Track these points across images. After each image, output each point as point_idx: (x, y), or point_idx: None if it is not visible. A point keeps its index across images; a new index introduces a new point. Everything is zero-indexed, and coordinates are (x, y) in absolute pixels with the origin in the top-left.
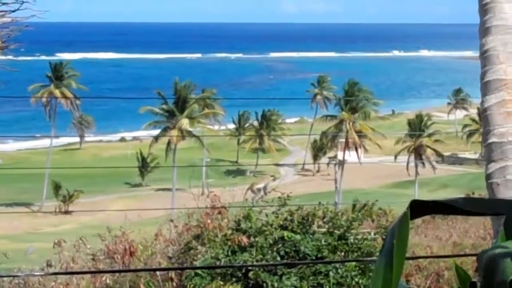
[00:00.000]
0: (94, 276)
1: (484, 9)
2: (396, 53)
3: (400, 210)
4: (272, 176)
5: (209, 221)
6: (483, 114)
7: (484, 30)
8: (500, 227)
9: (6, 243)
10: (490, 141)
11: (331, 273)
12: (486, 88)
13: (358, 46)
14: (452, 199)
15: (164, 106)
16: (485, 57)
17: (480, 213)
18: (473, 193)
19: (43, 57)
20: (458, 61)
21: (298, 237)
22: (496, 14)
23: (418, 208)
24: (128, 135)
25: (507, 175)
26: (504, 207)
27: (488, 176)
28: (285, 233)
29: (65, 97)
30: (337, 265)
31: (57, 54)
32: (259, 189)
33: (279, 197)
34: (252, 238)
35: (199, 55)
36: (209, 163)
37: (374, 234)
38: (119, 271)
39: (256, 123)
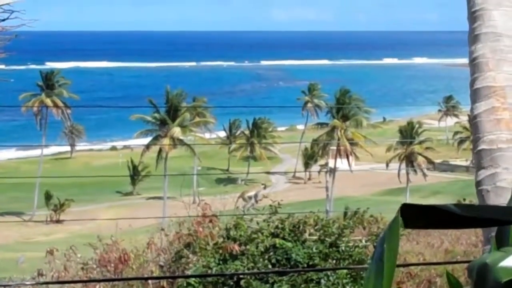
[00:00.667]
0: (86, 285)
1: (473, 17)
2: (387, 60)
3: (391, 217)
4: (263, 184)
5: (200, 229)
6: (473, 121)
7: (473, 38)
8: (490, 234)
9: None
10: (479, 148)
11: (322, 281)
12: (475, 95)
13: (350, 54)
14: (444, 204)
15: (156, 115)
16: (474, 65)
17: (469, 223)
18: (464, 200)
19: (34, 66)
20: (450, 68)
21: (289, 244)
22: (485, 21)
23: (410, 213)
24: (119, 144)
25: (497, 182)
26: (495, 213)
27: (478, 183)
28: (277, 240)
29: (56, 106)
30: (329, 272)
31: (48, 63)
32: (250, 197)
33: (270, 205)
34: (243, 246)
35: (191, 63)
36: (200, 171)
37: (366, 242)
38: (111, 280)
39: (247, 131)
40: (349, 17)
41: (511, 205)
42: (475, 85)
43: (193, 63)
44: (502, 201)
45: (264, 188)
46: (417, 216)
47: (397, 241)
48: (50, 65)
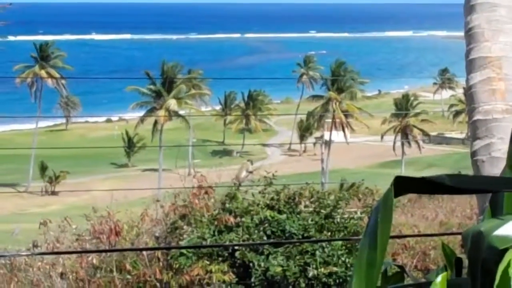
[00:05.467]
0: (80, 256)
1: None
2: (383, 34)
3: (386, 189)
4: (249, 160)
5: (196, 201)
6: (468, 92)
7: (469, 8)
8: (485, 204)
9: None
10: (475, 118)
11: (317, 252)
12: (471, 66)
13: (346, 27)
14: (437, 176)
15: (151, 87)
16: (470, 35)
17: (465, 190)
18: (459, 172)
19: (29, 38)
20: (447, 41)
21: (282, 217)
22: None
23: (403, 185)
24: (114, 115)
25: (492, 152)
26: (490, 184)
27: (473, 154)
28: (271, 212)
29: (51, 77)
30: (324, 244)
31: (44, 36)
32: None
33: (265, 177)
34: (238, 218)
35: (188, 35)
36: (196, 143)
37: (361, 214)
38: (106, 251)
39: (242, 104)
40: None
41: (504, 176)
42: (470, 56)
43: (191, 36)
44: (497, 171)
45: (251, 163)
46: (410, 188)
47: (391, 213)
48: (47, 37)
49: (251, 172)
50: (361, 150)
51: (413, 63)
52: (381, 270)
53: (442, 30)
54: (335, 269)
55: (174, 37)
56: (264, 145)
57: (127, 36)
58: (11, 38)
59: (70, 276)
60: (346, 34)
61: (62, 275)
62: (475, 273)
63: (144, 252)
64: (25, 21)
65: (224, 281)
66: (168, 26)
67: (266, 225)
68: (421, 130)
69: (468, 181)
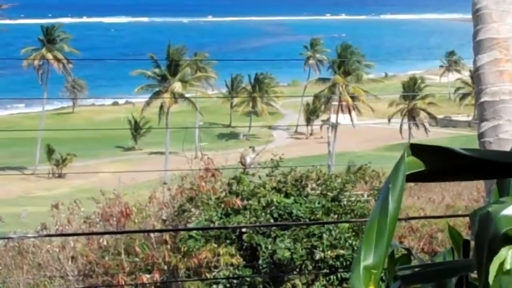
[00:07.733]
0: (89, 239)
1: None
2: (399, 16)
3: None
4: (251, 147)
5: (203, 184)
6: (476, 73)
7: None
8: (492, 187)
9: None
10: (482, 100)
11: (324, 235)
12: (478, 47)
13: (363, 9)
14: (451, 148)
15: (156, 70)
16: (477, 16)
17: (472, 170)
18: None
19: (37, 20)
20: (460, 23)
21: (289, 201)
22: None
23: (416, 152)
24: (121, 98)
25: (499, 134)
26: (504, 157)
27: (481, 135)
28: (274, 198)
29: (57, 60)
30: (331, 226)
31: (56, 18)
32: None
33: (272, 159)
34: (245, 201)
35: (201, 19)
36: (202, 126)
37: (367, 196)
38: (114, 233)
39: (249, 87)
40: None
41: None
42: (478, 37)
43: (203, 19)
44: None
45: (253, 150)
46: (423, 155)
47: (403, 179)
48: (56, 20)
49: (251, 159)
50: (368, 133)
51: (423, 46)
52: (391, 238)
53: (458, 13)
54: (342, 252)
55: (185, 20)
56: (270, 127)
57: (139, 19)
58: (20, 21)
59: (79, 259)
60: (363, 17)
61: (71, 258)
62: (481, 255)
63: (152, 235)
64: (35, 3)
65: (231, 264)
66: (180, 9)
67: (273, 208)
68: (427, 113)
69: (478, 152)
